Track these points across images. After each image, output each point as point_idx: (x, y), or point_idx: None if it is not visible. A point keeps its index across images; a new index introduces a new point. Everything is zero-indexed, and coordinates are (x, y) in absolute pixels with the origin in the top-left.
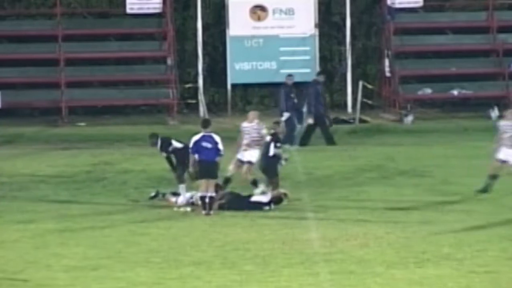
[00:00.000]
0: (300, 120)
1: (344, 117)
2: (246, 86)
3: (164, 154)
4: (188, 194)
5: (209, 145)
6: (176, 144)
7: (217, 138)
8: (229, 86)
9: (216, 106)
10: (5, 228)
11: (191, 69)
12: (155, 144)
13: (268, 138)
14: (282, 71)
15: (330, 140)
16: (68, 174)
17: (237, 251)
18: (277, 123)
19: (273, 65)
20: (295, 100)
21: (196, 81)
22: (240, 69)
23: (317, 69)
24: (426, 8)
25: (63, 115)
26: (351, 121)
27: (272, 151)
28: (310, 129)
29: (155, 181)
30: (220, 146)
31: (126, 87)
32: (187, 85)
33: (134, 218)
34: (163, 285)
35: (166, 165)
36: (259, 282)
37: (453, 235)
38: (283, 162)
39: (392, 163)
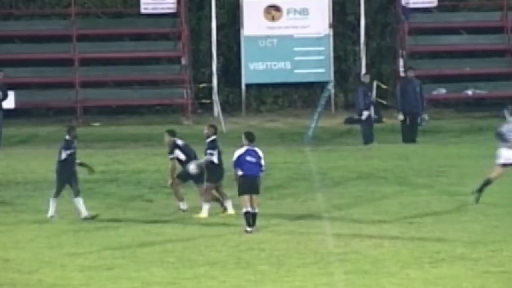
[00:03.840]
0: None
1: (361, 117)
2: (260, 86)
3: None
4: None
5: (253, 160)
6: None
7: (260, 153)
8: (243, 86)
9: (230, 106)
10: (20, 228)
11: (205, 69)
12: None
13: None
14: (296, 71)
15: (411, 138)
16: (83, 173)
17: (252, 251)
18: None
19: (287, 65)
20: (372, 98)
21: (210, 81)
22: (254, 69)
23: (332, 69)
24: (440, 8)
25: (78, 115)
26: None
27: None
28: (403, 125)
29: None
30: (263, 161)
31: (140, 87)
32: (202, 85)
33: (148, 218)
34: (177, 285)
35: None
36: (274, 282)
37: (467, 235)
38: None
39: (407, 163)
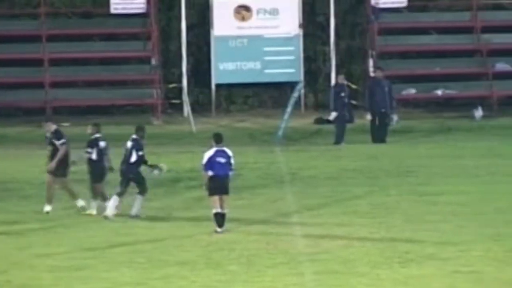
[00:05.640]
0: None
1: (328, 117)
2: (230, 86)
3: None
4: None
5: (222, 160)
6: None
7: (230, 153)
8: (213, 86)
9: (200, 106)
10: None
11: (175, 69)
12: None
13: (129, 144)
14: (266, 71)
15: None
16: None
17: (222, 251)
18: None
19: (257, 65)
20: (346, 99)
21: (180, 81)
22: (224, 69)
23: (302, 69)
24: (410, 8)
25: (47, 115)
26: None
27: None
28: (372, 125)
29: None
30: (233, 160)
31: (110, 87)
32: (172, 85)
33: (118, 218)
34: (147, 285)
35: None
36: (244, 282)
37: (437, 235)
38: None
39: (376, 163)
